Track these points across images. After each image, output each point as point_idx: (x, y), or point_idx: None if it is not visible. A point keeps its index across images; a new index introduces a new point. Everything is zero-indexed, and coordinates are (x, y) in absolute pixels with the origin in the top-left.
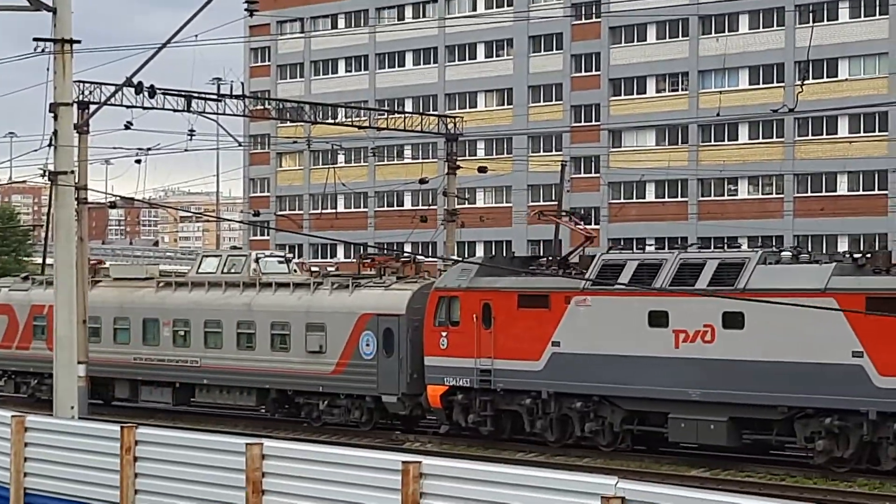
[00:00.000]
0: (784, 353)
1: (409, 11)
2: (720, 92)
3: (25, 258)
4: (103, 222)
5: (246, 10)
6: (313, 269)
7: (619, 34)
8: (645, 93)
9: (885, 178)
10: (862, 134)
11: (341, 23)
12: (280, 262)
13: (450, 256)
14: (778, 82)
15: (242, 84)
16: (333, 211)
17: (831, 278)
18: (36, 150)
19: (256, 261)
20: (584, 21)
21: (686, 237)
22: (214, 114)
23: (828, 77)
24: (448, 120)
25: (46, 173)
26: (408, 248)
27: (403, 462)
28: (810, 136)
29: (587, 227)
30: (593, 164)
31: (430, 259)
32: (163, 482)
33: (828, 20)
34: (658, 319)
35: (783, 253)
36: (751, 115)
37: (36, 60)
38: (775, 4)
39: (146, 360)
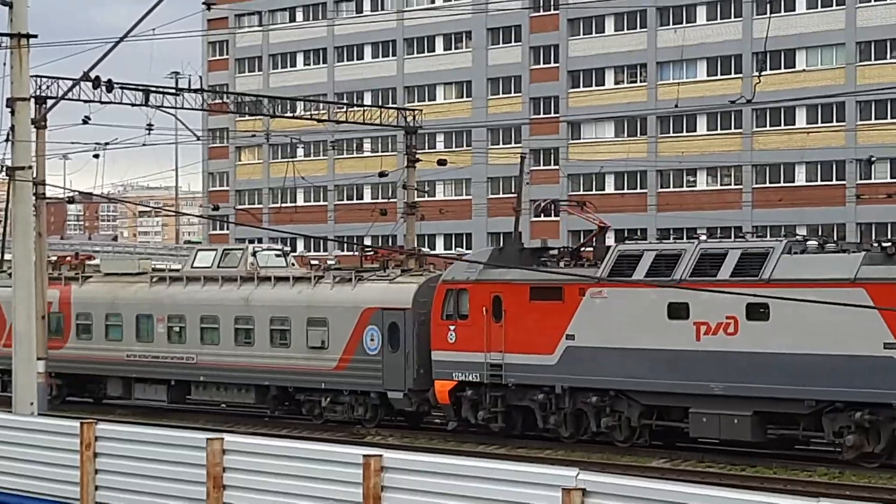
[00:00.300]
0: (812, 346)
1: (367, 4)
2: (678, 83)
3: None
4: (62, 218)
5: (204, 3)
6: (313, 262)
7: (578, 26)
8: (603, 84)
9: (843, 168)
10: (820, 124)
11: (299, 16)
12: (277, 256)
13: (449, 254)
14: (736, 73)
15: (201, 78)
16: (293, 205)
17: (861, 268)
18: None
19: (254, 254)
20: (542, 13)
21: (645, 229)
22: (173, 108)
23: (785, 68)
24: (407, 113)
25: (4, 168)
26: (367, 241)
27: (365, 456)
28: (768, 127)
29: (599, 217)
30: (552, 156)
31: (447, 255)
32: (124, 478)
33: (785, 11)
34: (678, 311)
35: (808, 242)
36: (709, 106)
37: None
38: None
39: (140, 357)
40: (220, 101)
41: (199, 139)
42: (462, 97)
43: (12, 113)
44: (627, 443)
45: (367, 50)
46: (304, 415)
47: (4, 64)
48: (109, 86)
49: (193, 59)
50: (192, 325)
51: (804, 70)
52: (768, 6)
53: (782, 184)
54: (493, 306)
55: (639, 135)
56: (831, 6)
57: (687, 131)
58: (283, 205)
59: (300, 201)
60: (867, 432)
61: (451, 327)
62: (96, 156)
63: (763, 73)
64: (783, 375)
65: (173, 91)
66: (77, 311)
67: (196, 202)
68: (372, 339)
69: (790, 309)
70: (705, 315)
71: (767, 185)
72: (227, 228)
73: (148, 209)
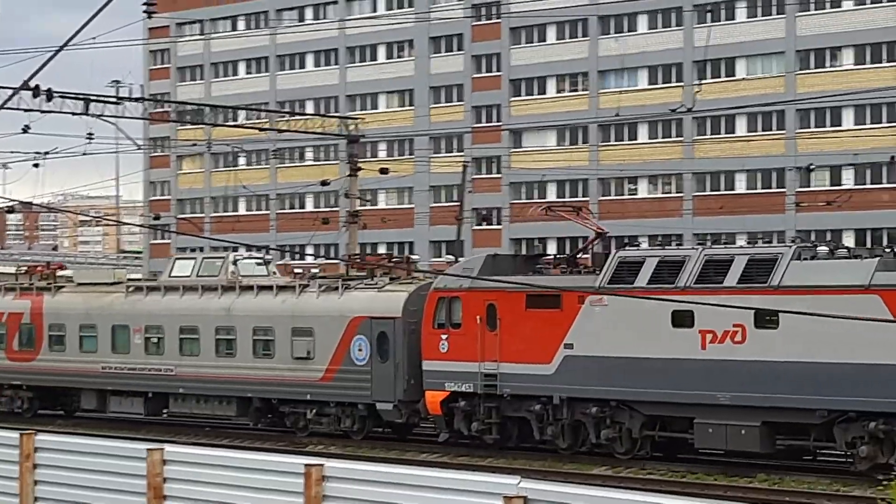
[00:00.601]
0: (824, 354)
1: (309, 13)
2: (619, 92)
3: None
4: (1, 228)
5: (144, 11)
6: (296, 270)
7: (520, 35)
8: (545, 93)
9: (783, 176)
10: (759, 133)
11: (241, 24)
12: (259, 265)
13: (437, 271)
14: (676, 82)
15: (142, 87)
16: (235, 213)
17: (875, 274)
18: None
19: (235, 263)
20: (484, 22)
21: (587, 237)
22: (113, 116)
23: (725, 76)
24: (349, 121)
25: None
26: (310, 249)
27: (306, 465)
28: (709, 135)
29: (597, 223)
30: (495, 164)
31: (436, 272)
32: (64, 489)
33: (725, 20)
34: (682, 320)
35: (819, 248)
36: (650, 114)
37: None
38: (673, 4)
39: (116, 369)
40: (162, 109)
41: (139, 148)
42: (404, 105)
43: None
44: (628, 455)
45: (309, 58)
46: (289, 427)
47: None
48: (49, 95)
49: (134, 67)
50: (171, 336)
51: (744, 78)
52: (708, 15)
53: (722, 192)
54: (487, 315)
55: (580, 143)
56: (771, 15)
57: (628, 139)
58: (225, 214)
59: (242, 210)
60: (881, 443)
61: (444, 336)
62: (36, 165)
63: (703, 81)
64: (794, 385)
65: (114, 100)
66: (49, 322)
67: (137, 211)
68: (360, 349)
69: (801, 316)
70: (711, 323)
71: (708, 192)
72: (169, 238)
73: (88, 219)
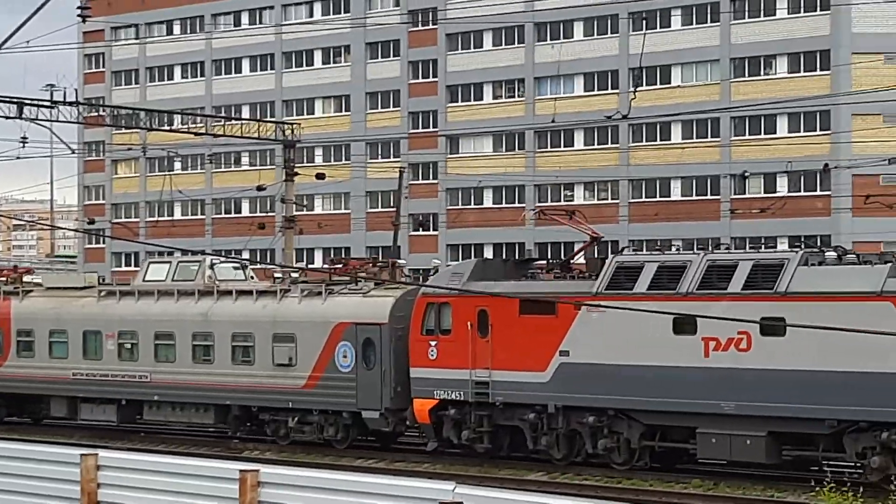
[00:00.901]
0: (834, 363)
1: (245, 18)
2: (555, 98)
3: None
4: None
5: (79, 15)
6: (276, 275)
7: (456, 41)
8: (482, 99)
9: (718, 183)
10: (694, 140)
11: (177, 29)
12: (236, 269)
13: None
14: (612, 89)
15: (76, 90)
16: (170, 218)
17: (887, 280)
18: None
19: (211, 267)
20: (420, 28)
21: (523, 243)
22: (48, 120)
23: (661, 84)
24: (285, 126)
25: None
26: (245, 255)
27: (241, 471)
28: (644, 142)
29: (591, 228)
30: (431, 170)
31: (428, 285)
32: None
33: (661, 27)
34: (684, 326)
35: (827, 254)
36: (586, 121)
37: None
38: (609, 12)
39: (87, 375)
40: (96, 113)
41: (74, 152)
42: (341, 111)
43: None
44: (626, 465)
45: (245, 63)
46: (269, 436)
47: None
48: None
49: (69, 71)
50: (146, 342)
51: (679, 86)
52: (644, 22)
53: (658, 198)
54: (478, 321)
55: (517, 149)
56: (706, 23)
57: (564, 146)
58: (160, 218)
59: (177, 215)
60: (894, 453)
61: (432, 343)
62: None
63: (639, 88)
64: (802, 394)
65: (48, 104)
66: (18, 328)
67: (71, 216)
68: (345, 356)
69: (810, 323)
70: (714, 330)
71: (644, 199)
72: (104, 242)
73: (22, 223)
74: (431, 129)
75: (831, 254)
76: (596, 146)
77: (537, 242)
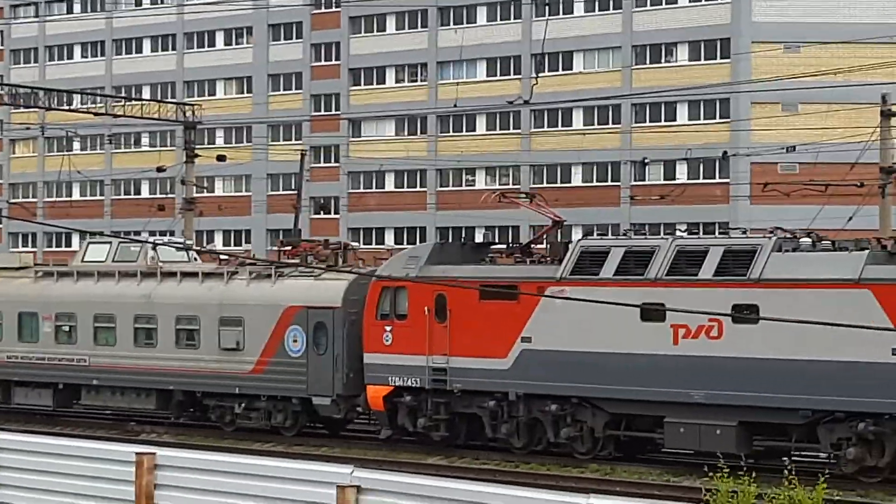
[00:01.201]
0: (809, 351)
1: None
2: (458, 83)
3: None
4: None
5: None
6: (223, 257)
7: (359, 24)
8: (384, 83)
9: (618, 169)
10: (596, 126)
11: (77, 7)
12: (178, 250)
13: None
14: (515, 74)
15: None
16: (68, 199)
17: (865, 267)
18: None
19: (154, 248)
20: (323, 10)
21: (425, 227)
22: None
23: (563, 70)
24: (186, 108)
25: None
26: (145, 236)
27: (137, 453)
28: (546, 128)
29: (553, 211)
30: (333, 153)
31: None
32: None
33: (563, 14)
34: (652, 313)
35: (802, 240)
36: (488, 106)
37: None
38: None
39: (22, 358)
40: None
41: None
42: (242, 93)
43: None
44: (589, 455)
45: (146, 43)
46: (213, 421)
47: None
48: None
49: None
50: (84, 324)
51: (581, 72)
52: (546, 8)
53: (559, 184)
54: (436, 306)
55: (419, 133)
56: (608, 10)
57: (466, 131)
58: (59, 199)
59: (76, 195)
60: (870, 444)
61: (388, 328)
62: None
63: (541, 74)
64: (775, 383)
65: None
66: None
67: None
68: (295, 341)
69: (784, 311)
70: (684, 317)
71: (545, 185)
72: (1, 223)
73: None
74: (334, 113)
75: (806, 240)
76: (498, 131)
77: (438, 227)
